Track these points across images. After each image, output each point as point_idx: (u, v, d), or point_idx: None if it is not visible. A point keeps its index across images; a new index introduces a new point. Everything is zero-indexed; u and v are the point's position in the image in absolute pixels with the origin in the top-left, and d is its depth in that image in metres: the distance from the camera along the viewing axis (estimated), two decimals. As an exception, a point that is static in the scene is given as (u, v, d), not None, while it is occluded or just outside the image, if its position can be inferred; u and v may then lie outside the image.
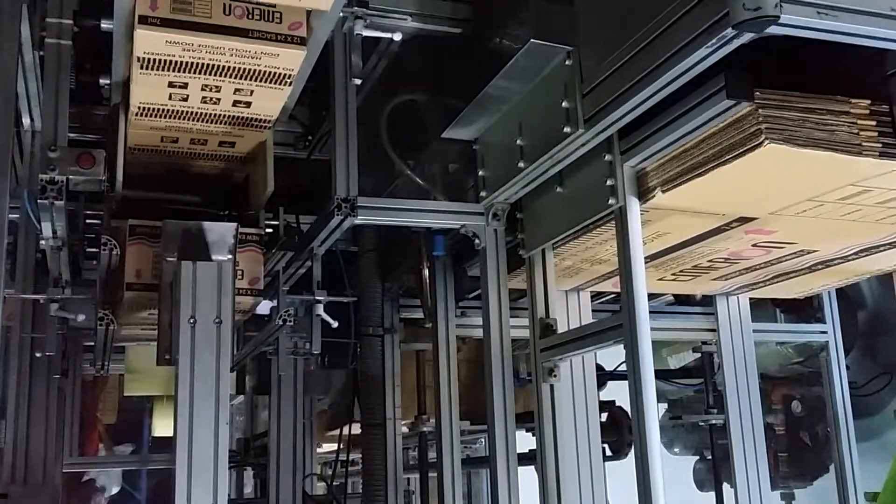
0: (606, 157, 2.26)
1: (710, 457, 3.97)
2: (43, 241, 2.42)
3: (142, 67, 2.12)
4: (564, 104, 2.23)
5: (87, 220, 2.67)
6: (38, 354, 2.93)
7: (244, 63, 2.13)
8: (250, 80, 2.20)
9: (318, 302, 2.81)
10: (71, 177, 2.13)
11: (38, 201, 2.14)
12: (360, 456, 3.47)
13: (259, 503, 4.11)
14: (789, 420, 4.31)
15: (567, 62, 2.25)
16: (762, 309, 3.66)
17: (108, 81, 2.36)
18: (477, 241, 2.76)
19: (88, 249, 2.62)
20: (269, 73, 2.18)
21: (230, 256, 2.33)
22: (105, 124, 2.67)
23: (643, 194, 2.23)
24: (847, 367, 3.60)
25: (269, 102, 2.33)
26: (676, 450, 4.77)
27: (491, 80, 2.43)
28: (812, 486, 4.35)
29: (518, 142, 2.50)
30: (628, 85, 1.98)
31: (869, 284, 4.55)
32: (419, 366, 3.76)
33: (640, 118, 2.10)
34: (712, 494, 3.72)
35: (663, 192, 2.16)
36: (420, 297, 3.23)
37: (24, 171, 2.93)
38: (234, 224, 2.38)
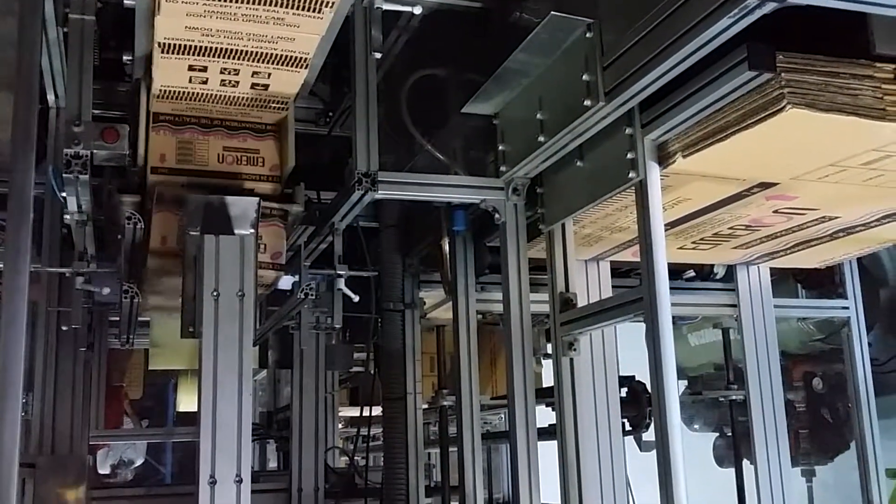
0: (627, 131, 2.25)
1: (730, 433, 3.97)
2: (68, 216, 2.46)
3: (163, 52, 2.15)
4: (585, 77, 2.22)
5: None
6: (64, 328, 2.98)
7: (261, 47, 2.16)
8: (268, 63, 2.23)
9: (340, 276, 2.83)
10: (95, 151, 2.16)
11: (64, 176, 2.18)
12: (381, 430, 3.50)
13: (282, 475, 4.15)
14: (810, 397, 4.30)
15: (587, 35, 2.24)
16: (784, 285, 3.64)
17: (130, 58, 2.38)
18: (497, 215, 2.77)
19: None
20: (286, 56, 2.20)
21: (252, 230, 2.35)
22: (128, 101, 2.69)
23: (664, 160, 2.22)
24: (869, 345, 3.58)
25: (287, 84, 2.35)
26: (696, 426, 4.78)
27: (511, 54, 2.42)
28: (833, 463, 4.35)
29: (538, 116, 2.49)
30: (649, 57, 1.97)
31: (892, 261, 4.52)
32: (439, 341, 3.78)
33: (661, 91, 2.09)
34: (732, 471, 3.73)
35: (684, 157, 2.16)
36: (440, 271, 3.24)
37: (49, 148, 2.96)
38: (256, 198, 2.40)
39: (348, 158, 2.71)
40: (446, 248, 3.17)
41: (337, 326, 2.94)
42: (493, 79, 2.56)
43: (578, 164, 2.52)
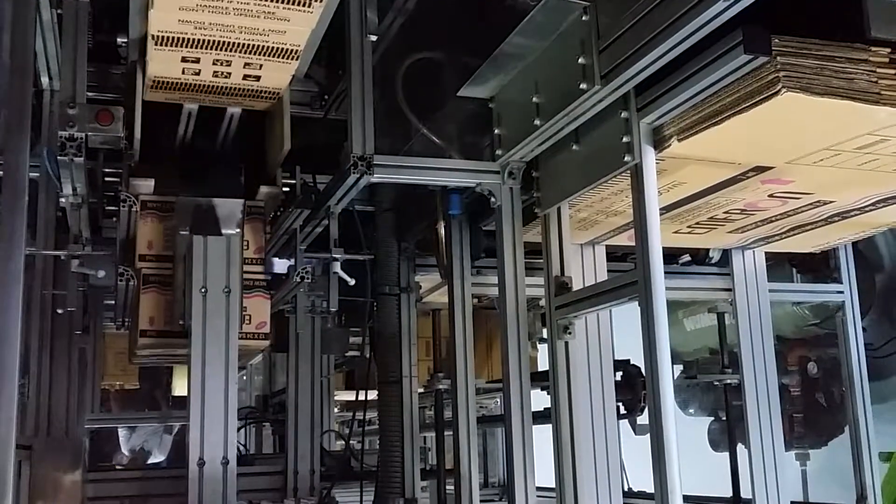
0: (622, 114, 2.25)
1: (724, 417, 3.99)
2: (63, 199, 2.46)
3: (156, 44, 2.16)
4: (581, 60, 2.22)
5: (106, 179, 2.71)
6: (59, 311, 2.98)
7: (253, 40, 2.18)
8: (259, 55, 2.24)
9: (336, 260, 2.83)
10: (90, 133, 2.16)
11: (58, 158, 2.18)
12: (377, 414, 3.51)
13: (278, 458, 4.16)
14: (805, 381, 4.32)
15: (584, 18, 2.24)
16: (779, 270, 3.65)
17: (125, 40, 2.38)
18: (492, 199, 2.77)
19: (107, 207, 2.66)
20: (277, 48, 2.22)
21: (238, 230, 2.46)
22: (122, 83, 2.68)
23: (659, 143, 2.22)
24: (864, 329, 3.59)
25: (278, 76, 2.38)
26: (691, 410, 4.80)
27: (507, 37, 2.42)
28: (826, 447, 4.37)
29: (534, 99, 2.49)
30: (645, 40, 1.97)
31: (888, 247, 4.53)
32: (435, 324, 3.79)
33: (657, 74, 2.08)
34: (727, 454, 3.75)
35: (679, 140, 2.16)
36: (436, 255, 3.24)
37: (44, 131, 2.95)
38: (242, 200, 2.48)
39: (344, 142, 2.71)
40: (442, 231, 3.17)
41: (333, 310, 2.95)
42: (489, 62, 2.55)
43: (574, 147, 2.52)
